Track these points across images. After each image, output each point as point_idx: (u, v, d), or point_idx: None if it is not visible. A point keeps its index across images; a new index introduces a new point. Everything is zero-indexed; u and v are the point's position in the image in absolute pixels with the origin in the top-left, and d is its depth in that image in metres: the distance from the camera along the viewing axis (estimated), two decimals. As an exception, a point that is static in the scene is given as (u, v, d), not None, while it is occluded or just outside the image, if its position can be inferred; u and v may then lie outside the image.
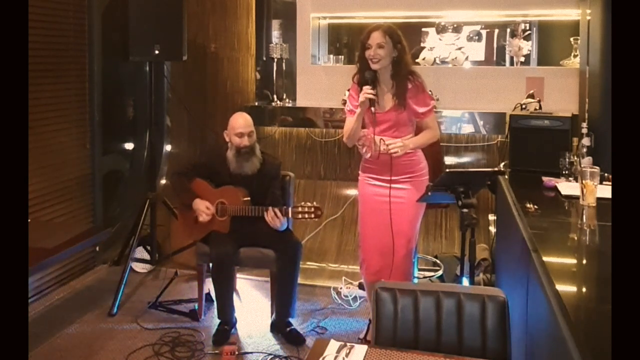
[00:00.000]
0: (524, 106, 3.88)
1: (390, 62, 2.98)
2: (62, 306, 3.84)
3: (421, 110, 3.03)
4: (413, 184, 3.04)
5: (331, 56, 4.95)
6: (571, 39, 4.44)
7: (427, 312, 1.93)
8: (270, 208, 3.33)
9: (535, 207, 2.61)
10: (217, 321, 3.45)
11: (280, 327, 3.43)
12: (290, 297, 3.44)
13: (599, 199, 2.44)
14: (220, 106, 4.93)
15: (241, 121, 3.51)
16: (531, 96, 4.01)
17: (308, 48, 4.85)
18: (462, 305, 1.91)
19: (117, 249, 4.43)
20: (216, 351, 3.25)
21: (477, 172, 3.55)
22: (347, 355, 1.69)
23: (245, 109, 4.70)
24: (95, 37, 4.32)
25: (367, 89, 2.90)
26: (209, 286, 3.58)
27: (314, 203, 3.37)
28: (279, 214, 3.31)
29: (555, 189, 2.90)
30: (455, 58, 4.68)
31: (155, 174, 4.65)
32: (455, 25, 4.71)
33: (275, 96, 4.84)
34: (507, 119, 3.74)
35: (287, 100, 4.90)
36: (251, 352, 3.26)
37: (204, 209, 3.47)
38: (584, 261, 2.10)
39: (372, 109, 2.91)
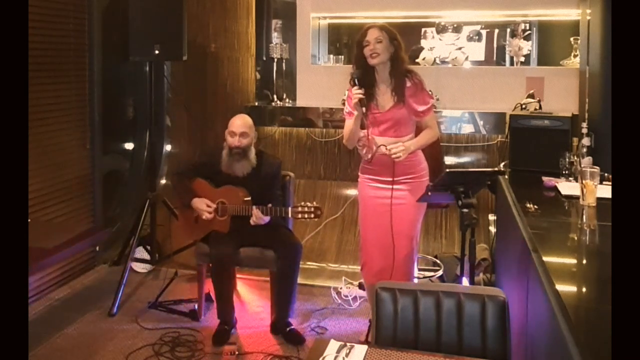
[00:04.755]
0: (524, 106, 3.88)
1: (388, 58, 2.98)
2: (62, 306, 3.84)
3: (420, 108, 3.02)
4: (414, 185, 3.03)
5: (331, 56, 4.95)
6: (571, 39, 4.45)
7: (427, 312, 1.93)
8: (254, 209, 3.33)
9: (535, 207, 2.61)
10: (217, 321, 3.45)
11: (280, 327, 3.43)
12: (290, 297, 3.45)
13: (599, 199, 2.44)
14: (220, 106, 4.93)
15: (238, 122, 3.51)
16: (531, 96, 4.01)
17: (308, 48, 4.85)
18: (462, 305, 1.91)
19: (117, 249, 4.43)
20: (216, 351, 3.25)
21: (477, 172, 3.55)
22: (347, 355, 1.69)
23: (245, 109, 4.71)
24: (95, 37, 4.32)
25: (355, 89, 2.91)
26: (209, 286, 3.58)
27: (314, 203, 3.37)
28: (259, 214, 3.32)
29: (555, 189, 2.90)
30: (455, 58, 4.68)
31: (155, 174, 4.65)
32: (455, 25, 4.72)
33: (275, 96, 4.84)
34: (507, 119, 3.74)
35: (287, 100, 4.90)
36: (251, 352, 3.26)
37: (204, 207, 3.47)
38: (584, 261, 2.10)
39: (363, 108, 2.91)
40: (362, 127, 3.03)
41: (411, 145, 2.98)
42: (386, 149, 2.94)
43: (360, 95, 2.89)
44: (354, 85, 2.93)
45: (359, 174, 3.18)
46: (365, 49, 2.95)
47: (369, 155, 3.05)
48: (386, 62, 2.99)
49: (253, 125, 3.55)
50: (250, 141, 3.51)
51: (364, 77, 2.99)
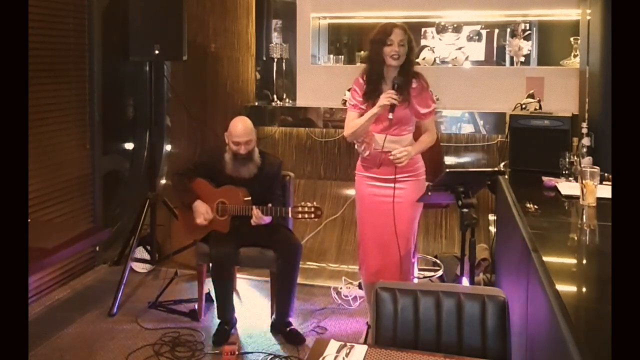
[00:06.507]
0: (524, 106, 3.88)
1: (404, 60, 3.00)
2: (62, 306, 3.83)
3: (423, 110, 3.04)
4: (411, 183, 3.04)
5: (331, 56, 4.96)
6: (571, 39, 4.45)
7: (427, 312, 1.93)
8: (254, 209, 3.33)
9: (535, 207, 2.61)
10: (217, 321, 3.46)
11: (280, 327, 3.43)
12: (290, 297, 3.45)
13: (599, 199, 2.44)
14: (220, 106, 4.93)
15: (240, 129, 3.45)
16: (531, 96, 4.01)
17: (308, 48, 4.85)
18: (462, 305, 1.91)
19: (117, 249, 4.43)
20: (216, 351, 3.25)
21: (477, 172, 3.56)
22: (347, 355, 1.69)
23: (245, 109, 4.71)
24: (95, 37, 4.32)
25: (392, 93, 2.89)
26: (209, 286, 3.58)
27: (314, 203, 3.37)
28: (260, 214, 3.32)
29: (555, 189, 2.90)
30: (455, 58, 4.68)
31: (155, 174, 4.65)
32: (455, 25, 4.72)
33: (275, 96, 4.84)
34: (507, 119, 3.74)
35: (287, 100, 4.90)
36: (251, 352, 3.26)
37: (203, 211, 3.46)
38: (584, 261, 2.10)
39: (390, 115, 2.89)
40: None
41: (413, 150, 3.00)
42: (391, 154, 2.94)
43: (395, 101, 2.88)
44: (394, 89, 2.92)
45: (356, 172, 3.18)
46: (388, 48, 2.94)
47: (367, 153, 3.05)
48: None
49: (253, 126, 3.54)
50: (254, 144, 3.50)
51: (374, 73, 2.99)
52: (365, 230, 3.14)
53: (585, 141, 3.21)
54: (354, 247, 4.32)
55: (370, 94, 2.98)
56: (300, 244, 3.56)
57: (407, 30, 2.99)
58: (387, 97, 2.88)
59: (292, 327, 3.43)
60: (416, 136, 3.12)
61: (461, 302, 1.91)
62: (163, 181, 5.02)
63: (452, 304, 1.92)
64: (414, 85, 3.02)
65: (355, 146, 3.14)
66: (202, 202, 3.49)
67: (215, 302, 3.49)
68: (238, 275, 4.01)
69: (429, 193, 2.85)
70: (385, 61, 2.96)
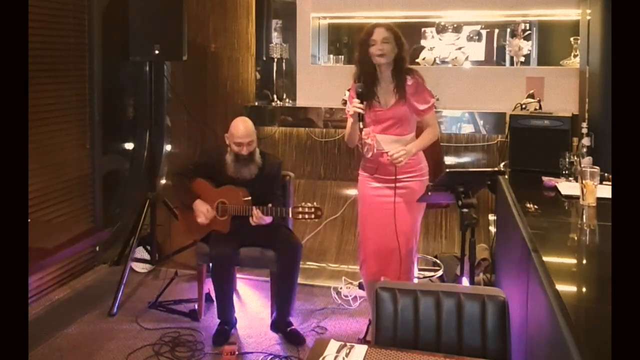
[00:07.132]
0: (524, 106, 3.88)
1: (393, 58, 2.99)
2: (62, 306, 3.83)
3: (421, 107, 3.04)
4: (413, 183, 3.04)
5: (331, 56, 4.96)
6: (571, 39, 4.45)
7: (427, 312, 1.93)
8: (254, 209, 3.33)
9: (535, 207, 2.61)
10: (217, 321, 3.46)
11: (280, 327, 3.44)
12: (290, 297, 3.45)
13: (599, 199, 2.44)
14: (220, 106, 4.93)
15: (241, 130, 3.45)
16: (531, 96, 4.01)
17: (308, 48, 4.86)
18: (462, 305, 1.91)
19: (117, 249, 4.43)
20: (216, 351, 3.25)
21: (477, 172, 3.55)
22: (347, 355, 1.69)
23: (245, 109, 4.71)
24: (95, 37, 4.32)
25: (356, 102, 2.92)
26: (209, 286, 3.58)
27: (314, 203, 3.37)
28: (260, 214, 3.33)
29: (555, 189, 2.91)
30: (455, 58, 4.68)
31: (155, 174, 4.65)
32: (455, 25, 4.72)
33: (275, 96, 4.84)
34: (507, 119, 3.74)
35: (287, 100, 4.90)
36: (251, 352, 3.26)
37: (204, 211, 3.46)
38: (584, 261, 2.10)
39: (361, 123, 2.92)
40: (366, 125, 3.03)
41: (413, 148, 2.99)
42: (388, 155, 2.94)
43: (359, 110, 2.90)
44: (358, 97, 2.94)
45: (359, 172, 3.18)
46: (372, 48, 2.96)
47: (370, 154, 3.05)
48: (390, 62, 3.00)
49: (254, 127, 3.54)
50: (255, 145, 3.51)
51: (367, 75, 2.99)
52: (366, 230, 3.14)
53: (585, 141, 3.21)
54: (354, 247, 4.32)
55: (366, 96, 2.99)
56: (301, 244, 3.56)
57: (391, 28, 3.00)
58: (352, 106, 2.92)
59: (292, 327, 3.43)
60: (417, 135, 3.11)
61: (461, 302, 1.91)
62: (163, 181, 5.02)
63: (452, 304, 1.92)
64: (409, 82, 3.01)
65: (359, 147, 3.14)
66: (202, 201, 3.49)
67: (215, 302, 3.49)
68: (238, 275, 4.01)
69: (429, 193, 2.85)
70: (374, 61, 2.97)
